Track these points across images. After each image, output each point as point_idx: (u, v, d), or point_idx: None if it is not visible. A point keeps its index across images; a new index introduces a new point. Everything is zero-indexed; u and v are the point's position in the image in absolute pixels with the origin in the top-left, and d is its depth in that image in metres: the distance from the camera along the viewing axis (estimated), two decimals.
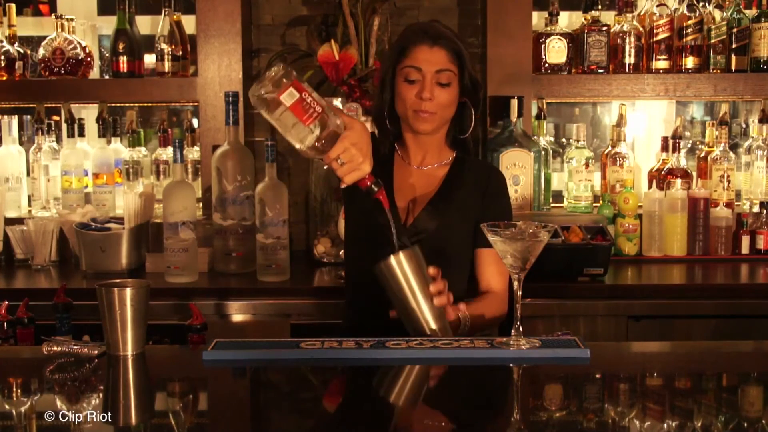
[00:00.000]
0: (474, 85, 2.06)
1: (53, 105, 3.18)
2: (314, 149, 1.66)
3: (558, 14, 3.03)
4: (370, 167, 1.72)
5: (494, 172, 2.16)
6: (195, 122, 3.27)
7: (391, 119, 2.09)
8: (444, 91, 2.01)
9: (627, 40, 2.99)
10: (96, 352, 1.67)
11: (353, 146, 1.68)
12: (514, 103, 2.87)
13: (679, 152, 3.04)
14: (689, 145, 3.33)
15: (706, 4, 3.07)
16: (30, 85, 3.09)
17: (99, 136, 3.09)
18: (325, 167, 2.78)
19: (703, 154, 3.10)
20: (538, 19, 3.13)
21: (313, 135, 1.65)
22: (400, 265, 1.75)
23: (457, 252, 2.06)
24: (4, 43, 3.07)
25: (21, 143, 3.19)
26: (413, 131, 2.07)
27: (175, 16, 3.05)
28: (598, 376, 1.66)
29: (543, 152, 2.95)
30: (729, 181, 3.02)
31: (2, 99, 3.12)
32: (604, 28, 3.00)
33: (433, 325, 1.77)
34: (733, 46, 3.00)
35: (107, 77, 3.16)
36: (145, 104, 3.27)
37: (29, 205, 3.19)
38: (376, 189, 1.75)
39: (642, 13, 3.08)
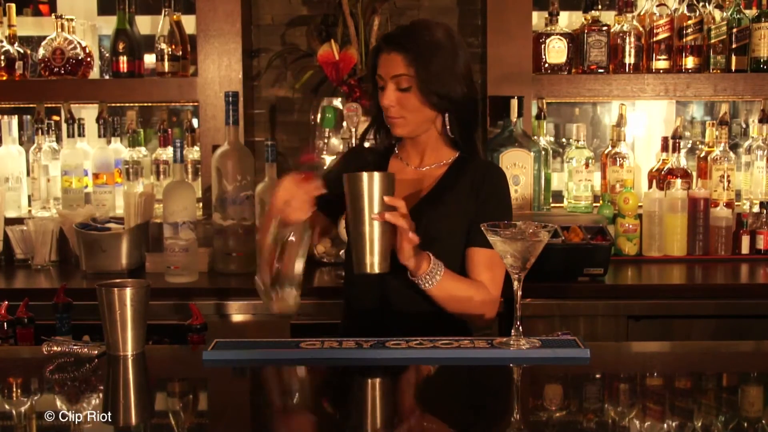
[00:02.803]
0: (441, 91, 1.95)
1: (53, 105, 3.18)
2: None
3: (558, 14, 3.03)
4: (303, 206, 1.81)
5: (492, 170, 2.07)
6: (195, 122, 3.27)
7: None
8: (405, 96, 1.95)
9: (627, 40, 2.99)
10: (96, 352, 1.67)
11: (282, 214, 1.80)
12: (514, 103, 2.87)
13: (679, 152, 3.04)
14: (689, 145, 3.33)
15: (706, 4, 3.08)
16: (30, 85, 3.09)
17: (99, 136, 3.09)
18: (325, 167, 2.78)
19: (703, 154, 3.10)
20: (538, 19, 3.13)
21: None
22: (370, 183, 1.70)
23: (446, 251, 1.97)
24: (4, 43, 3.07)
25: (21, 143, 3.19)
26: None
27: (175, 16, 3.05)
28: (598, 376, 1.66)
29: (543, 152, 2.95)
30: (729, 181, 3.02)
31: (2, 99, 3.12)
32: (604, 28, 3.00)
33: (376, 245, 1.71)
34: (733, 46, 3.00)
35: (107, 77, 3.17)
36: (145, 104, 3.27)
37: (29, 205, 3.19)
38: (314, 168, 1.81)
39: (642, 13, 3.08)
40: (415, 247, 1.78)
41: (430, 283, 1.84)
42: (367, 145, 2.21)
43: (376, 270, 1.72)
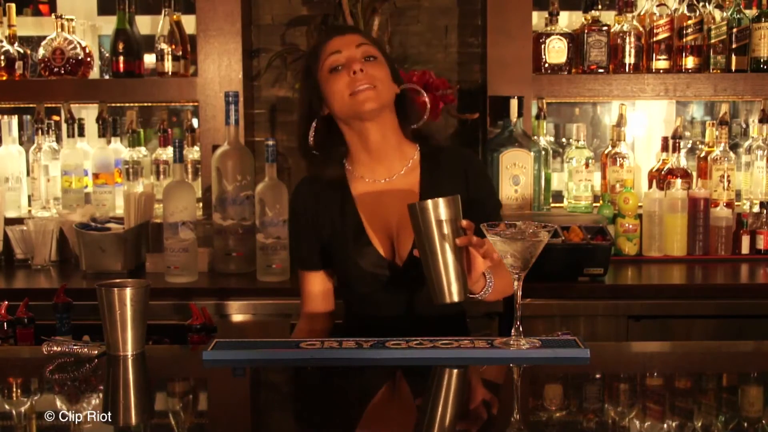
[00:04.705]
0: (395, 67, 1.96)
1: (53, 105, 3.18)
2: None
3: (558, 14, 3.03)
4: None
5: (466, 156, 1.99)
6: (195, 122, 3.27)
7: (335, 138, 1.95)
8: (372, 65, 1.86)
9: (627, 40, 2.99)
10: (96, 352, 1.67)
11: None
12: (514, 103, 2.87)
13: (679, 152, 3.04)
14: (689, 145, 3.33)
15: (706, 4, 3.07)
16: (30, 85, 3.09)
17: (99, 136, 3.09)
18: None
19: (703, 154, 3.10)
20: (538, 19, 3.13)
21: None
22: (436, 210, 1.62)
23: None
24: (4, 43, 3.07)
25: (21, 143, 3.19)
26: (357, 129, 1.90)
27: (175, 16, 3.05)
28: (598, 376, 1.66)
29: (543, 152, 2.95)
30: (729, 181, 3.02)
31: (2, 99, 3.12)
32: (604, 28, 3.00)
33: (452, 273, 1.64)
34: (733, 46, 3.00)
35: (107, 77, 3.16)
36: (145, 104, 3.27)
37: (29, 205, 3.19)
38: None
39: (642, 13, 3.08)
40: None
41: (486, 293, 1.76)
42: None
43: (456, 299, 1.65)
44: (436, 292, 1.66)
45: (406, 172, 1.95)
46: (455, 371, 1.63)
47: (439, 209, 1.62)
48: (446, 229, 1.62)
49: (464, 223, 1.63)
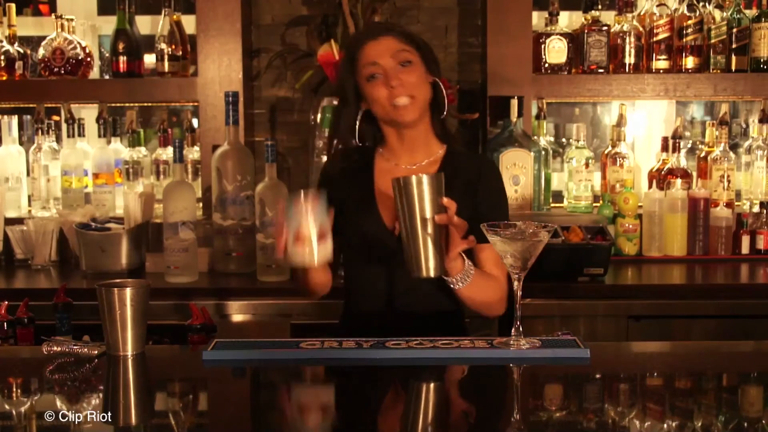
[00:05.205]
0: (437, 61, 2.02)
1: (53, 105, 3.18)
2: None
3: (558, 14, 3.03)
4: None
5: (485, 163, 2.07)
6: (195, 122, 3.27)
7: (371, 122, 2.03)
8: (408, 71, 1.92)
9: (627, 40, 2.99)
10: (96, 352, 1.67)
11: None
12: (514, 103, 2.87)
13: (679, 152, 3.04)
14: (689, 145, 3.33)
15: (706, 4, 3.07)
16: (30, 85, 3.09)
17: (99, 136, 3.09)
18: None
19: (703, 154, 3.10)
20: (538, 19, 3.13)
21: None
22: (419, 186, 1.64)
23: None
24: (4, 43, 3.07)
25: (21, 143, 3.19)
26: (396, 127, 1.99)
27: (175, 16, 3.05)
28: (598, 376, 1.66)
29: (543, 152, 2.95)
30: (729, 181, 3.02)
31: (2, 99, 3.12)
32: (604, 28, 3.00)
33: (430, 249, 1.66)
34: (733, 46, 3.00)
35: (107, 77, 3.16)
36: (145, 104, 3.27)
37: (29, 205, 3.19)
38: None
39: (642, 13, 3.08)
40: None
41: (462, 283, 1.77)
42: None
43: (432, 274, 1.67)
44: (413, 266, 1.68)
45: (427, 164, 2.03)
46: (455, 371, 1.63)
47: (423, 185, 1.64)
48: (427, 206, 1.65)
49: (445, 200, 1.66)
